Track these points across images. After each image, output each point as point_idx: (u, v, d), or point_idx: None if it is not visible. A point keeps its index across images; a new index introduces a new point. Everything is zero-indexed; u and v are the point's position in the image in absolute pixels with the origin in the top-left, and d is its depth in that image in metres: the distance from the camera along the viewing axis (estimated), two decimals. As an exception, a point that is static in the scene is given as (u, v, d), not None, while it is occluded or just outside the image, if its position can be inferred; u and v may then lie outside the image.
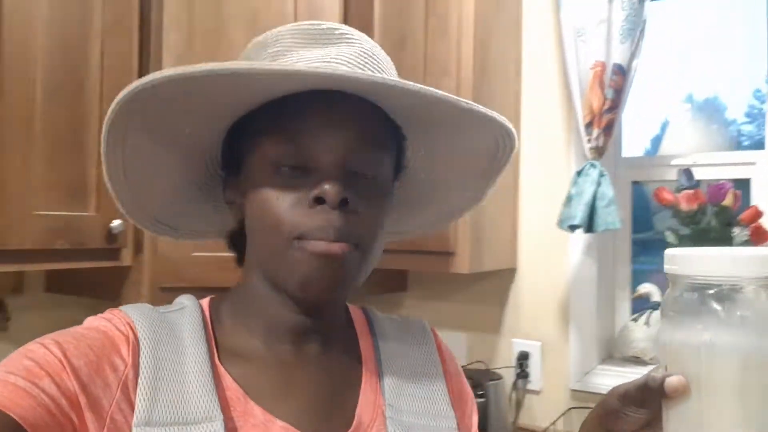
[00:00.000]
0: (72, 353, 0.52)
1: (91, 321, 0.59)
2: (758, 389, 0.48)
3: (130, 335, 0.57)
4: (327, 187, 0.55)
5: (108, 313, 0.60)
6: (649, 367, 0.58)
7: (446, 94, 0.56)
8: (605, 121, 1.45)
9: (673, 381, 0.50)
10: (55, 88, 1.30)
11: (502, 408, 1.59)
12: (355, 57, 0.59)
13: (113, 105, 0.55)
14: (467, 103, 0.58)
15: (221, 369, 0.59)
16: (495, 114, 0.60)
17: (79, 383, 0.51)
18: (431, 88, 0.55)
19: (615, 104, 1.44)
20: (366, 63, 0.60)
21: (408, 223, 0.76)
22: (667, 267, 0.52)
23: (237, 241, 0.68)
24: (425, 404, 0.67)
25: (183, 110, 0.58)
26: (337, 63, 0.58)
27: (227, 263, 1.40)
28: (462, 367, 1.65)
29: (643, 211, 1.73)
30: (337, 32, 0.60)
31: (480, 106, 0.59)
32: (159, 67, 1.47)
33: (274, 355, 0.62)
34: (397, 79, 0.55)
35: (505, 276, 1.72)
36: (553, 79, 1.66)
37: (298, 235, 0.56)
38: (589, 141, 1.47)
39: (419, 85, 0.54)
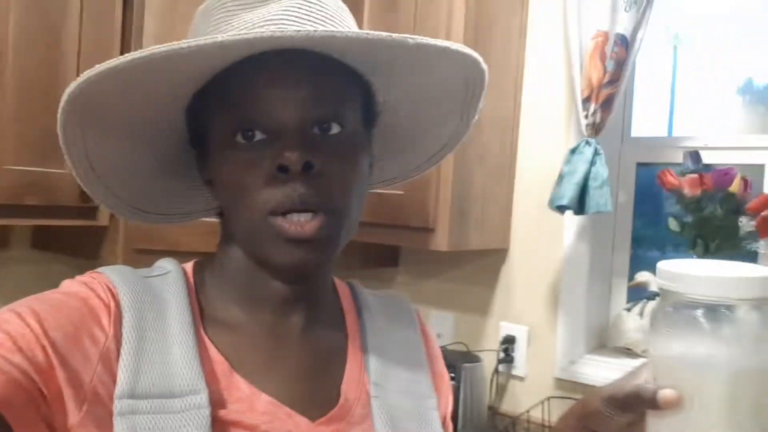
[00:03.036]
0: (50, 324, 0.50)
1: (69, 285, 0.56)
2: (749, 404, 0.50)
3: (111, 303, 0.54)
4: (288, 153, 0.52)
5: (88, 276, 0.57)
6: (639, 361, 0.59)
7: (388, 34, 0.52)
8: (604, 96, 1.35)
9: (666, 394, 0.50)
10: (28, 40, 1.28)
11: (477, 392, 1.53)
12: (297, 10, 0.56)
13: (60, 107, 0.52)
14: (413, 38, 0.53)
15: (206, 339, 0.57)
16: (451, 44, 0.56)
17: (58, 357, 0.49)
18: (372, 32, 0.52)
19: (616, 78, 1.34)
20: (311, 14, 0.57)
21: (392, 170, 0.73)
22: (660, 282, 0.52)
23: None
24: (409, 384, 0.66)
25: (132, 98, 0.55)
26: (280, 19, 0.55)
27: (203, 227, 1.38)
28: (443, 347, 1.62)
29: (651, 195, 1.63)
30: None
31: (433, 40, 0.54)
32: (140, 22, 1.43)
33: (258, 325, 0.60)
34: (342, 28, 0.52)
35: (497, 256, 1.65)
36: (557, 49, 1.55)
37: (269, 210, 0.54)
38: (585, 117, 1.37)
39: (358, 31, 0.52)
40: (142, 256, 1.48)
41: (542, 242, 1.58)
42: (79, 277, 0.57)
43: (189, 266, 0.63)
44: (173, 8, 1.43)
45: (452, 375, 1.43)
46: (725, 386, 0.49)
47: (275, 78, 0.54)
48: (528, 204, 1.61)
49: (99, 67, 0.49)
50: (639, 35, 1.34)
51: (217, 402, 0.54)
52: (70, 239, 1.58)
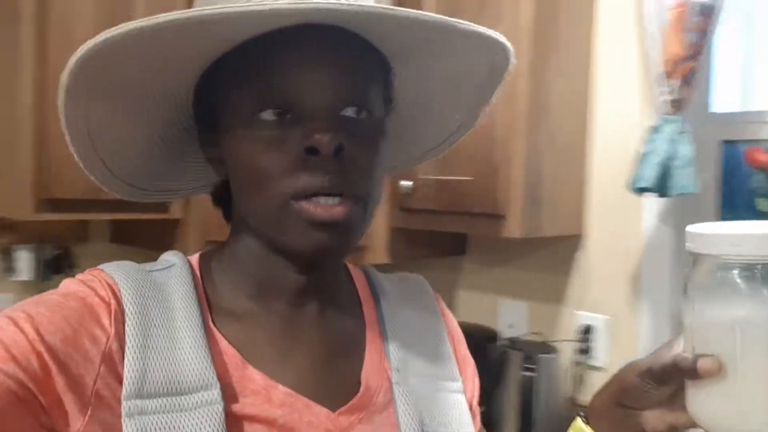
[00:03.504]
0: (46, 329, 0.48)
1: (68, 285, 0.53)
2: None
3: (112, 301, 0.51)
4: (319, 135, 0.50)
5: (88, 274, 0.55)
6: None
7: (431, 14, 0.50)
8: (685, 70, 1.27)
9: (706, 361, 0.49)
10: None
11: (554, 383, 1.48)
12: None
13: (69, 67, 0.48)
14: (459, 23, 0.52)
15: (216, 332, 0.54)
16: (484, 29, 0.54)
17: (56, 362, 0.47)
18: (416, 11, 0.49)
19: (698, 51, 1.26)
20: None
21: (396, 157, 0.70)
22: (691, 246, 0.50)
23: (222, 196, 0.62)
24: (432, 369, 0.63)
25: (145, 66, 0.52)
26: None
27: None
28: (517, 338, 1.58)
29: (736, 174, 1.52)
30: None
31: (470, 24, 0.53)
32: None
33: (271, 315, 0.57)
34: (381, 5, 0.49)
35: (570, 243, 1.59)
36: (629, 24, 1.47)
37: (293, 194, 0.51)
38: (666, 93, 1.29)
39: (402, 9, 0.49)
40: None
41: (620, 226, 1.51)
42: (79, 276, 0.55)
43: (195, 258, 0.60)
44: None
45: (529, 366, 1.39)
46: (767, 348, 0.47)
47: (311, 56, 0.52)
48: (603, 186, 1.53)
49: (129, 25, 0.46)
50: (720, 2, 1.25)
51: (230, 396, 0.51)
52: (145, 232, 1.63)
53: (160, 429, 0.48)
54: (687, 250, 0.51)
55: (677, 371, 0.51)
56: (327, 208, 0.51)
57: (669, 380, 0.53)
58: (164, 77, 0.54)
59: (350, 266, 0.67)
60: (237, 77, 0.53)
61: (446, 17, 0.50)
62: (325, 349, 0.58)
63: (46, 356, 0.46)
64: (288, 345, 0.57)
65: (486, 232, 1.43)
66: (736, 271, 0.48)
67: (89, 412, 0.47)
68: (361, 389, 0.57)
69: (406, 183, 1.47)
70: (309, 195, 0.51)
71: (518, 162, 1.33)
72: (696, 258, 0.51)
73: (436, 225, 1.49)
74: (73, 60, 0.48)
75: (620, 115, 1.50)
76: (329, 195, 0.51)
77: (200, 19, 0.46)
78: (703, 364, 0.49)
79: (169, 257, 0.59)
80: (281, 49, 0.51)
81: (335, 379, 0.57)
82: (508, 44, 0.57)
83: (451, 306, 1.85)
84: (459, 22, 0.51)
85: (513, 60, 0.59)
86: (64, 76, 0.49)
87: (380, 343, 0.62)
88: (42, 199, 1.48)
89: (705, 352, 0.49)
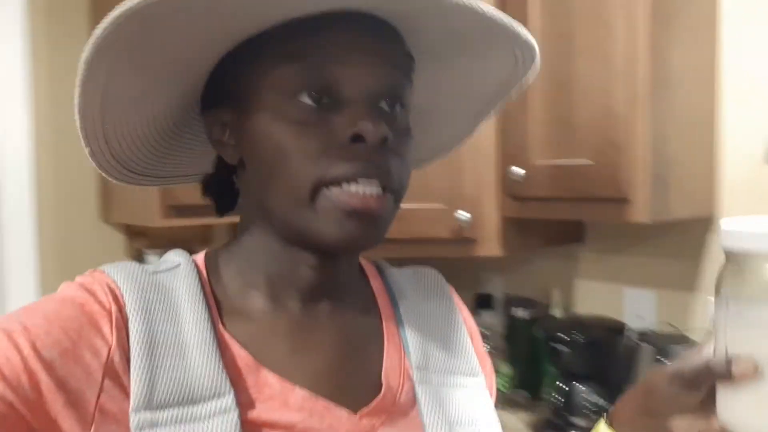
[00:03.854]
0: (42, 343, 0.45)
1: (67, 290, 0.50)
2: None
3: (113, 307, 0.49)
4: (367, 123, 0.48)
5: (89, 277, 0.52)
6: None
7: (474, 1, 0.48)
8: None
9: (742, 364, 0.47)
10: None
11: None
12: None
13: (112, 19, 0.44)
14: (497, 13, 0.50)
15: (226, 335, 0.52)
16: (518, 25, 0.52)
17: (54, 379, 0.44)
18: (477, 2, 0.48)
19: None
20: None
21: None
22: (727, 243, 0.48)
23: (216, 186, 0.60)
24: (453, 362, 0.61)
25: (177, 32, 0.48)
26: None
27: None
28: (647, 330, 1.48)
29: None
30: None
31: (507, 18, 0.51)
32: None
33: (285, 313, 0.55)
34: None
35: (701, 225, 1.47)
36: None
37: (330, 179, 0.49)
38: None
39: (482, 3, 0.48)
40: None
41: (756, 205, 1.37)
42: (78, 278, 0.51)
43: (200, 257, 0.57)
44: None
45: (662, 359, 1.30)
46: None
47: (356, 41, 0.50)
48: (736, 162, 1.40)
49: None
50: None
51: (245, 403, 0.49)
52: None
53: None
54: (722, 247, 0.49)
55: (709, 374, 0.49)
56: (362, 198, 0.49)
57: (700, 385, 0.51)
58: (192, 49, 0.51)
59: (362, 261, 0.65)
60: (274, 57, 0.51)
61: (488, 6, 0.49)
62: (342, 348, 0.56)
63: (42, 375, 0.44)
64: (302, 344, 0.54)
65: (609, 218, 1.35)
66: None
67: (93, 429, 0.45)
68: (383, 389, 0.55)
69: (517, 170, 1.42)
70: (348, 180, 0.49)
71: (642, 140, 1.24)
72: (728, 255, 0.49)
73: (551, 213, 1.42)
74: (112, 15, 0.44)
75: (753, 82, 1.36)
76: (368, 180, 0.49)
77: None
78: (737, 367, 0.47)
79: (174, 257, 0.56)
80: (325, 32, 0.50)
81: (354, 379, 0.55)
82: (534, 43, 0.55)
83: (570, 297, 1.78)
84: (496, 13, 0.49)
85: (538, 60, 0.57)
86: (97, 33, 0.45)
87: (398, 339, 0.59)
88: (169, 206, 1.57)
89: (739, 352, 0.48)
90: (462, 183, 1.49)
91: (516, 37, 0.53)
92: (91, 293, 0.49)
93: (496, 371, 0.76)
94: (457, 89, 0.61)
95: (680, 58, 1.30)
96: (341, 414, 0.52)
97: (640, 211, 1.25)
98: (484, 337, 1.70)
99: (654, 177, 1.25)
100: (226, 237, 1.84)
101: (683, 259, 1.52)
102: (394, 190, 0.52)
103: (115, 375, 0.47)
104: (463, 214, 1.47)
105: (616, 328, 1.44)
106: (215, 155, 0.59)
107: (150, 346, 0.48)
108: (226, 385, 0.48)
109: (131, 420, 0.45)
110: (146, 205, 1.61)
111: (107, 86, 0.49)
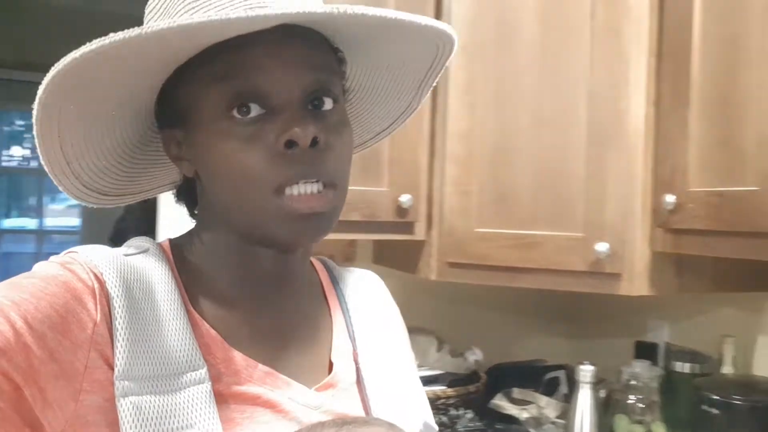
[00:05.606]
0: (33, 317, 0.48)
1: (47, 269, 0.54)
2: None
3: (95, 284, 0.53)
4: (296, 128, 0.53)
5: (67, 257, 0.56)
6: None
7: (379, 10, 0.53)
8: None
9: None
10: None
11: None
12: None
13: (49, 80, 0.49)
14: (408, 17, 0.55)
15: (196, 315, 0.57)
16: (434, 21, 0.58)
17: (45, 351, 0.48)
18: (372, 9, 0.52)
19: None
20: None
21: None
22: None
23: (185, 193, 0.67)
24: (392, 352, 0.70)
25: (117, 75, 0.53)
26: None
27: (513, 241, 1.35)
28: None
29: None
30: None
31: (419, 17, 0.56)
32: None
33: (248, 300, 0.61)
34: (334, 6, 0.51)
35: None
36: None
37: (275, 187, 0.54)
38: None
39: (361, 8, 0.52)
40: (455, 269, 1.46)
41: None
42: (54, 258, 0.55)
43: (165, 244, 0.63)
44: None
45: None
46: None
47: (275, 52, 0.54)
48: None
49: (113, 36, 0.47)
50: None
51: (216, 376, 0.54)
52: (400, 254, 1.67)
53: (153, 408, 0.50)
54: None
55: None
56: (306, 200, 0.54)
57: None
58: (134, 84, 0.56)
59: (311, 258, 0.71)
60: (205, 78, 0.55)
61: (395, 11, 0.53)
62: (298, 333, 0.63)
63: (35, 346, 0.47)
64: (264, 328, 0.61)
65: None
66: None
67: (81, 397, 0.49)
68: (334, 369, 0.63)
69: (669, 197, 1.22)
70: (290, 184, 0.54)
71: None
72: None
73: (711, 249, 1.19)
74: (51, 74, 0.48)
75: None
76: (308, 182, 0.54)
77: (180, 28, 0.48)
78: None
79: (141, 242, 0.61)
80: (249, 48, 0.54)
81: (308, 361, 0.62)
82: (454, 33, 0.61)
83: (748, 355, 1.49)
84: (407, 17, 0.54)
85: (456, 47, 0.63)
86: (41, 90, 0.49)
87: (344, 326, 0.67)
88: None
89: None
90: (604, 210, 1.32)
91: (427, 29, 0.58)
92: (72, 272, 0.53)
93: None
94: (391, 68, 0.66)
95: None
96: (299, 388, 0.59)
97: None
98: (636, 389, 1.49)
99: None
100: (368, 255, 1.87)
101: None
102: (334, 183, 0.57)
103: (101, 347, 0.51)
104: (602, 245, 1.30)
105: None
106: None
107: (131, 321, 0.53)
108: (199, 359, 0.54)
109: (116, 387, 0.50)
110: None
111: (61, 130, 0.54)
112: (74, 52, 0.47)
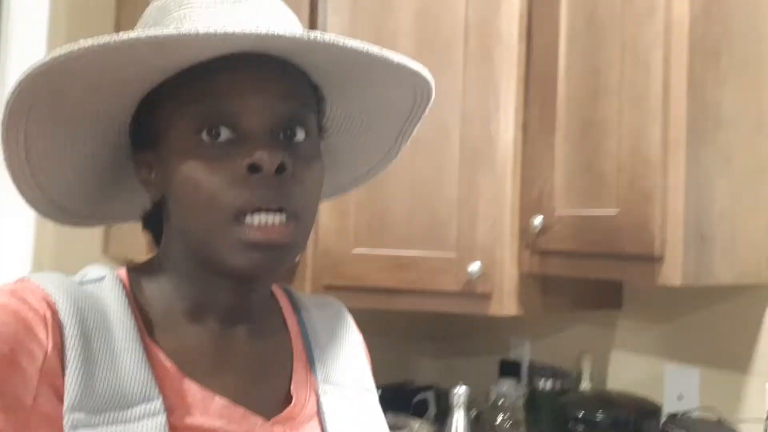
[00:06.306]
0: None
1: None
2: None
3: (47, 313, 0.51)
4: (261, 152, 0.52)
5: (18, 284, 0.54)
6: None
7: (367, 45, 0.54)
8: None
9: None
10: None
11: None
12: (265, 12, 0.57)
13: (17, 84, 0.50)
14: (382, 51, 0.56)
15: (152, 345, 0.56)
16: (408, 61, 0.59)
17: None
18: (350, 40, 0.53)
19: None
20: (279, 18, 0.58)
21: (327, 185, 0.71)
22: None
23: (151, 220, 0.65)
24: (354, 381, 0.69)
25: (88, 87, 0.54)
26: (248, 19, 0.56)
27: (389, 262, 1.35)
28: (684, 414, 1.26)
29: None
30: None
31: (394, 54, 0.57)
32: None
33: (203, 333, 0.60)
34: (315, 32, 0.52)
35: (759, 294, 1.25)
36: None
37: (235, 212, 0.53)
38: None
39: (337, 37, 0.53)
40: (331, 292, 1.40)
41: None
42: (5, 286, 0.53)
43: (122, 272, 0.61)
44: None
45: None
46: None
47: (250, 78, 0.55)
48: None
49: (82, 43, 0.47)
50: None
51: (171, 407, 0.53)
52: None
53: None
54: None
55: None
56: (265, 230, 0.53)
57: None
58: (106, 100, 0.56)
59: (273, 286, 0.70)
60: (178, 100, 0.55)
61: (371, 45, 0.54)
62: (257, 364, 0.61)
63: None
64: (221, 360, 0.59)
65: (636, 279, 1.17)
66: None
67: None
68: (293, 401, 0.61)
69: (537, 219, 1.26)
70: (251, 211, 0.53)
71: (677, 187, 1.07)
72: None
73: (575, 270, 1.24)
74: (19, 78, 0.49)
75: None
76: (269, 210, 0.53)
77: (151, 40, 0.48)
78: None
79: (97, 270, 0.59)
80: (224, 73, 0.54)
81: (267, 392, 0.61)
82: (430, 77, 0.62)
83: (603, 370, 1.57)
84: (382, 51, 0.55)
85: (433, 94, 0.64)
86: (7, 96, 0.50)
87: (304, 355, 0.66)
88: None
89: None
90: (475, 231, 1.34)
91: (400, 68, 0.58)
92: (23, 300, 0.51)
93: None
94: (365, 115, 0.66)
95: (731, 93, 1.13)
96: (256, 421, 0.57)
97: (672, 272, 1.06)
98: (503, 408, 1.52)
99: (691, 231, 1.07)
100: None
101: (735, 334, 1.29)
102: (297, 214, 0.55)
103: (50, 379, 0.49)
104: (474, 265, 1.31)
105: (649, 410, 1.22)
106: None
107: (84, 352, 0.51)
108: (154, 390, 0.53)
109: (65, 420, 0.48)
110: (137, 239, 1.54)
111: (28, 145, 0.55)
112: (51, 53, 0.48)
